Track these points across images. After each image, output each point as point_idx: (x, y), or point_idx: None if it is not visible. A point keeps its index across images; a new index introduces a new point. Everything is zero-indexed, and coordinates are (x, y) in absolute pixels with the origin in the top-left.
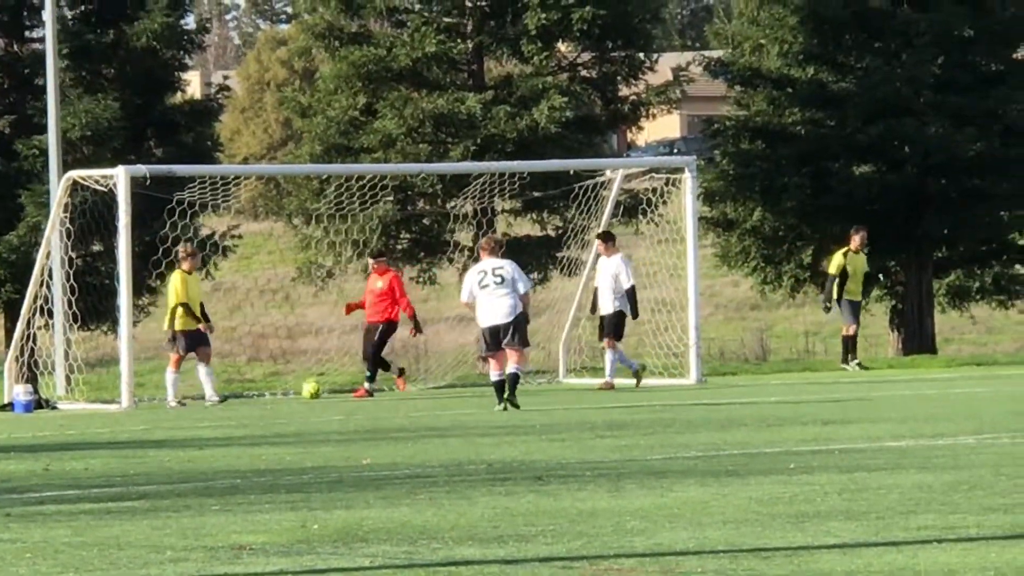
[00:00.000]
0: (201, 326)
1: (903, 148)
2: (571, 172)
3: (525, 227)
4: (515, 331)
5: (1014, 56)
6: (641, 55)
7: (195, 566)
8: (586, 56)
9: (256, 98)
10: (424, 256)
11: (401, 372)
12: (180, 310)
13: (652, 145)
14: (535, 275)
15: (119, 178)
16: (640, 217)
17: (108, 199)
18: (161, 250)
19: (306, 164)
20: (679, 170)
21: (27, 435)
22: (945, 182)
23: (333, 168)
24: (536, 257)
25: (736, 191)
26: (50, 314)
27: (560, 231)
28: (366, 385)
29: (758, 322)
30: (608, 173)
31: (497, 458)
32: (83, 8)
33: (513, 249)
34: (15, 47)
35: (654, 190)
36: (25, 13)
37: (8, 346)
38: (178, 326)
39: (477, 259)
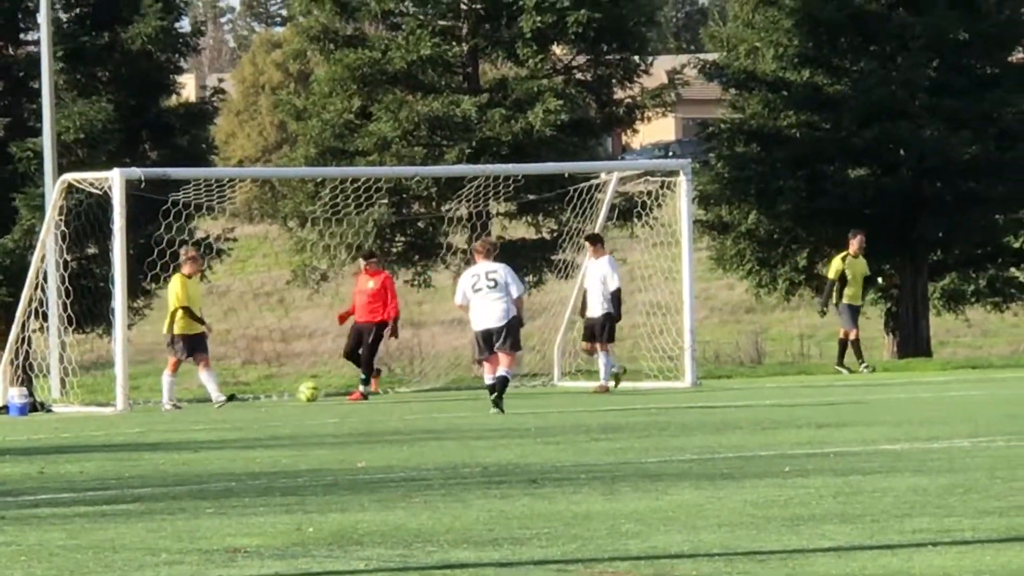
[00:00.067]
0: (203, 328)
1: (898, 151)
2: (566, 175)
3: (520, 230)
4: (507, 335)
5: (1009, 59)
6: (636, 58)
7: (190, 569)
8: (581, 59)
9: (251, 101)
10: (419, 259)
11: (377, 372)
12: (179, 313)
13: (647, 148)
14: (530, 278)
15: (114, 181)
16: (635, 220)
17: (103, 202)
18: (156, 252)
19: (301, 167)
20: (674, 173)
21: (22, 438)
22: (940, 185)
23: (328, 171)
24: (531, 260)
25: (731, 194)
26: (45, 317)
27: (555, 234)
28: (361, 388)
29: (753, 325)
30: (603, 176)
31: (492, 461)
32: (78, 11)
33: (508, 252)
34: (10, 50)
35: (649, 193)
36: (20, 16)
37: (3, 349)
38: (177, 330)
39: (472, 262)
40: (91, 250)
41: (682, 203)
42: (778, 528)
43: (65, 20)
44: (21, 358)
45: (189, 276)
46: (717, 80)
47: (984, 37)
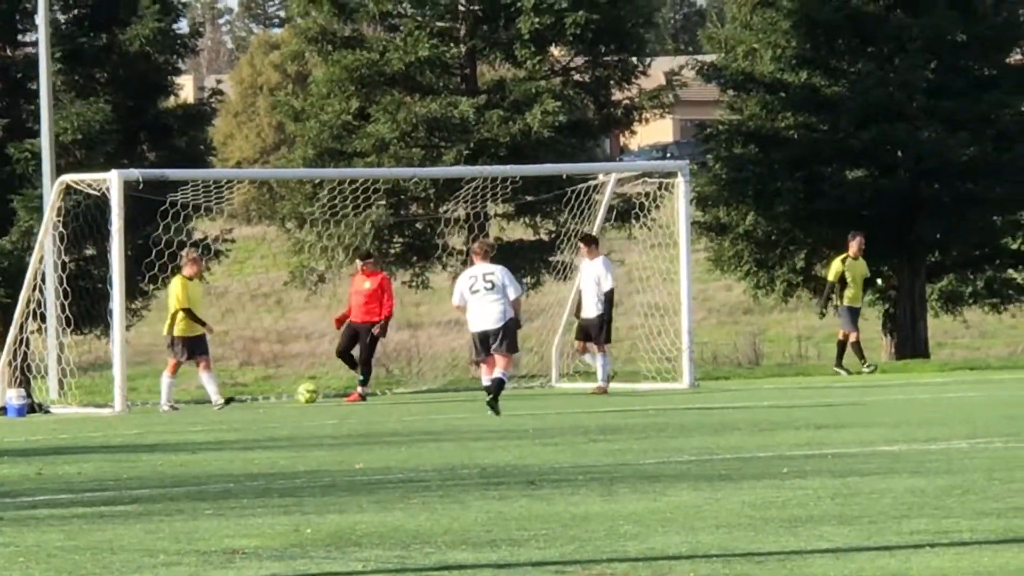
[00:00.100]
0: (204, 330)
1: (896, 153)
2: (564, 176)
3: (518, 231)
4: (504, 336)
5: (1007, 61)
6: (634, 59)
7: (188, 570)
8: (579, 60)
9: (249, 102)
10: (417, 260)
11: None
12: (180, 315)
13: (645, 149)
14: (528, 279)
15: (112, 182)
16: (633, 221)
17: (101, 203)
18: (154, 253)
19: (299, 168)
20: (672, 174)
21: (20, 439)
22: (938, 186)
23: (326, 172)
24: (529, 261)
25: (729, 195)
26: (43, 318)
27: (553, 235)
28: (359, 389)
29: (751, 326)
30: (601, 177)
31: (490, 462)
32: (76, 12)
33: (506, 253)
34: (8, 51)
35: (647, 194)
36: (18, 17)
37: (1, 350)
38: (177, 332)
39: (470, 263)
40: (89, 251)
41: (680, 204)
42: (776, 529)
43: (63, 21)
44: (19, 359)
45: (190, 278)
46: (715, 81)
47: (982, 39)
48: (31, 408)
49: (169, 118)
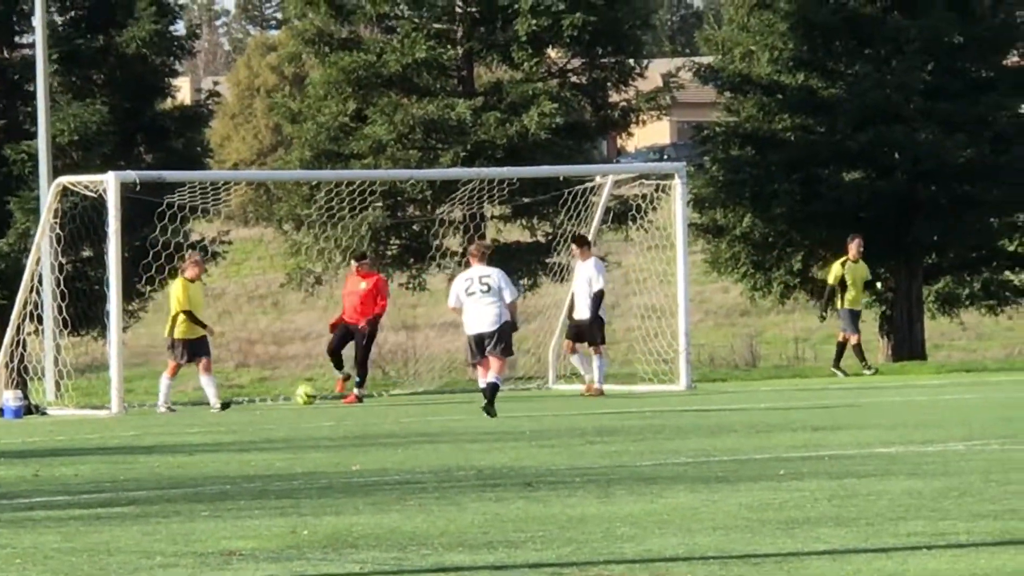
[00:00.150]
0: (205, 332)
1: (893, 155)
2: (561, 178)
3: (515, 233)
4: (499, 339)
5: (1004, 63)
6: (631, 61)
7: (185, 572)
8: (576, 62)
9: (246, 104)
10: (413, 262)
11: (347, 377)
12: (180, 318)
13: (642, 151)
14: (525, 281)
15: (109, 184)
16: (630, 223)
17: (98, 205)
18: (151, 255)
19: (296, 170)
20: (669, 176)
21: (17, 441)
22: (935, 189)
23: (323, 174)
24: (526, 263)
25: (726, 197)
26: (40, 320)
27: (550, 237)
28: (355, 391)
29: (748, 328)
30: (598, 179)
31: (487, 464)
32: (73, 14)
33: (502, 255)
34: (4, 52)
35: (644, 196)
36: (15, 19)
37: None
38: (178, 334)
39: (467, 265)
40: (86, 253)
41: (677, 206)
42: (773, 531)
43: (60, 23)
44: (16, 361)
45: (192, 280)
46: (712, 83)
47: (979, 40)
48: (28, 410)
49: (166, 120)
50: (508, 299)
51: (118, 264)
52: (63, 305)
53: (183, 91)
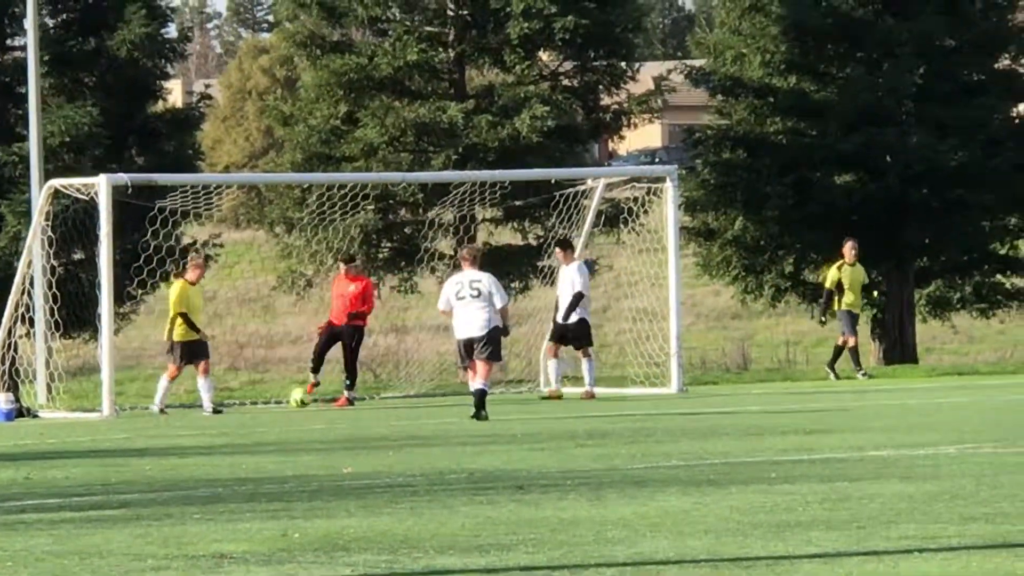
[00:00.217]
0: (199, 336)
1: (884, 158)
2: (552, 181)
3: (506, 236)
4: (487, 343)
5: (995, 66)
6: (623, 64)
7: (176, 574)
8: (568, 65)
9: (238, 107)
10: (405, 265)
11: (316, 384)
12: (179, 320)
13: (633, 154)
14: (516, 284)
15: (101, 187)
16: (621, 226)
17: (90, 207)
18: (143, 259)
19: (288, 173)
20: (660, 179)
21: (8, 443)
22: (927, 192)
23: (315, 177)
24: (517, 266)
25: (717, 200)
26: (31, 322)
27: (541, 240)
28: (346, 394)
29: (739, 331)
30: (589, 182)
31: (478, 467)
32: (64, 16)
33: (494, 258)
34: None
35: (635, 199)
36: (6, 21)
37: None
38: (176, 336)
39: (458, 268)
40: (78, 255)
41: (668, 209)
42: (764, 534)
43: (51, 26)
44: (7, 364)
45: (192, 283)
46: (704, 86)
47: (970, 44)
48: (19, 413)
49: (158, 123)
50: (499, 304)
51: (110, 267)
52: (55, 308)
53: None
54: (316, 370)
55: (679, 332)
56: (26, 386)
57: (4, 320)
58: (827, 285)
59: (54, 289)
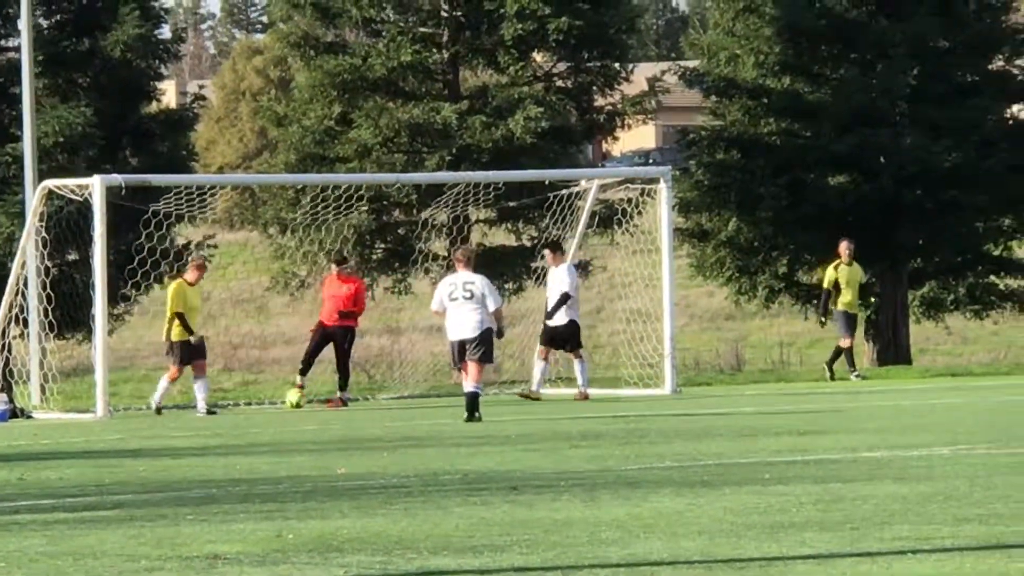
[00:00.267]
0: (192, 338)
1: (878, 159)
2: (546, 182)
3: (500, 237)
4: (479, 345)
5: (989, 67)
6: (617, 65)
7: (170, 575)
8: (562, 66)
9: (231, 107)
10: (399, 266)
11: (301, 387)
12: (177, 320)
13: (627, 155)
14: (509, 285)
15: (95, 187)
16: (615, 227)
17: (83, 208)
18: (136, 259)
19: (281, 174)
20: (654, 180)
21: (2, 444)
22: (920, 193)
23: (308, 178)
24: (511, 267)
25: (711, 201)
26: (25, 323)
27: (535, 241)
28: (340, 394)
29: (733, 332)
30: (583, 183)
31: (472, 468)
32: (58, 17)
33: (488, 259)
34: None
35: (629, 200)
36: (0, 22)
37: None
38: (174, 336)
39: (452, 269)
40: (72, 256)
41: (662, 210)
42: (758, 535)
43: (46, 26)
44: (1, 364)
45: (192, 283)
46: (697, 87)
47: (964, 45)
48: (13, 413)
49: (151, 123)
50: (491, 307)
51: (104, 268)
52: (48, 309)
53: (168, 95)
54: (304, 372)
55: (673, 333)
56: (20, 387)
57: None
58: (824, 285)
59: (48, 290)
